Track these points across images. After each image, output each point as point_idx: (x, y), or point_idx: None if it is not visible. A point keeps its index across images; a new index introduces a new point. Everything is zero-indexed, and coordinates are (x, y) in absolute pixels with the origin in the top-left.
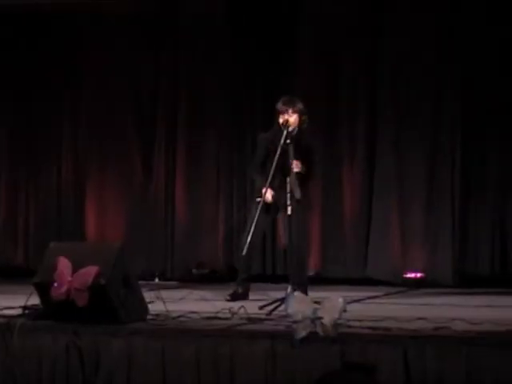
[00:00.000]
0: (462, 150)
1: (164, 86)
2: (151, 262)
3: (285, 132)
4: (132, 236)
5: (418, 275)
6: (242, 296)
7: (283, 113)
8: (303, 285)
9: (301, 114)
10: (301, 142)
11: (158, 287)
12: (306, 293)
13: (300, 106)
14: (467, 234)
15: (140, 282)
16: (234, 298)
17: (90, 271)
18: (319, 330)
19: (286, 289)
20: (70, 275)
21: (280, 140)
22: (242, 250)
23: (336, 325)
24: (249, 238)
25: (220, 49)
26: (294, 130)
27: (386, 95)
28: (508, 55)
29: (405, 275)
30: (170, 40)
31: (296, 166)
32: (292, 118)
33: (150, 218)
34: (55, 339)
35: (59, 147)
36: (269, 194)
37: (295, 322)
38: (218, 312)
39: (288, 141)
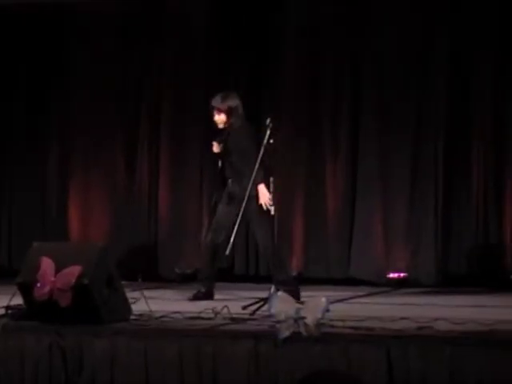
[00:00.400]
0: (445, 149)
1: (148, 85)
2: (134, 261)
3: (268, 131)
4: (115, 236)
5: (401, 275)
6: (205, 296)
7: (212, 110)
8: (289, 285)
9: (229, 113)
10: (234, 141)
11: (141, 287)
12: (298, 294)
13: (230, 103)
14: (450, 234)
15: (123, 282)
16: (196, 298)
17: (73, 271)
18: (302, 329)
19: (269, 289)
20: (53, 275)
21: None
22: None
23: (319, 325)
24: (232, 238)
25: (204, 48)
26: (224, 128)
27: (369, 95)
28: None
29: (388, 275)
30: (154, 39)
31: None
32: (220, 117)
33: (134, 217)
34: (38, 339)
35: (43, 147)
36: (215, 146)
37: (278, 321)
38: (201, 312)
39: (271, 140)
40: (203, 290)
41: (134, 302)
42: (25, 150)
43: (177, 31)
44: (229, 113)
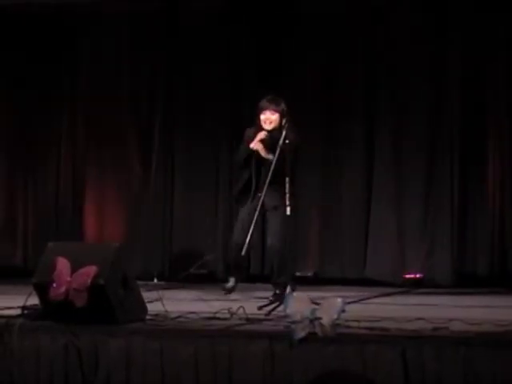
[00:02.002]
0: (461, 149)
1: (162, 86)
2: (150, 262)
3: (284, 132)
4: (131, 236)
5: (417, 275)
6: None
7: (265, 110)
8: (281, 287)
9: (282, 114)
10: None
11: (157, 287)
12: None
13: (283, 106)
14: (466, 234)
15: (138, 283)
16: (231, 291)
17: (89, 271)
18: (318, 330)
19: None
20: (69, 275)
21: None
22: (240, 250)
23: (334, 325)
24: (248, 238)
25: (219, 49)
26: (273, 129)
27: (385, 95)
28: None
29: (403, 275)
30: (168, 40)
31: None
32: (274, 117)
33: (149, 218)
34: (54, 339)
35: (58, 147)
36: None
37: (294, 322)
38: (216, 312)
39: (287, 141)
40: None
41: (153, 302)
42: (39, 150)
43: (188, 30)
44: (283, 114)
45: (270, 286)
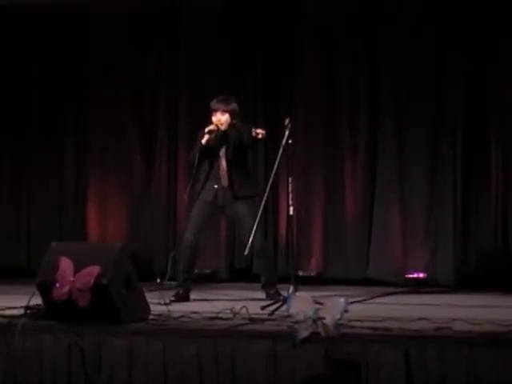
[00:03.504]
0: (464, 148)
1: (165, 84)
2: (153, 261)
3: (286, 132)
4: (134, 236)
5: (420, 275)
6: (183, 298)
7: (215, 111)
8: (273, 286)
9: (232, 114)
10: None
11: (159, 287)
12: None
13: (233, 106)
14: (468, 234)
15: (141, 282)
16: (177, 299)
17: (92, 271)
18: (321, 330)
19: (287, 289)
20: (72, 275)
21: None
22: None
23: (337, 325)
24: (251, 238)
25: (220, 47)
26: (226, 129)
27: (387, 94)
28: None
29: (406, 275)
30: (170, 38)
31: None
32: (224, 117)
33: (152, 217)
34: (57, 339)
35: (61, 146)
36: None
37: (297, 322)
38: (219, 312)
39: (290, 141)
40: (181, 291)
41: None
42: (42, 151)
43: (191, 30)
44: (233, 114)
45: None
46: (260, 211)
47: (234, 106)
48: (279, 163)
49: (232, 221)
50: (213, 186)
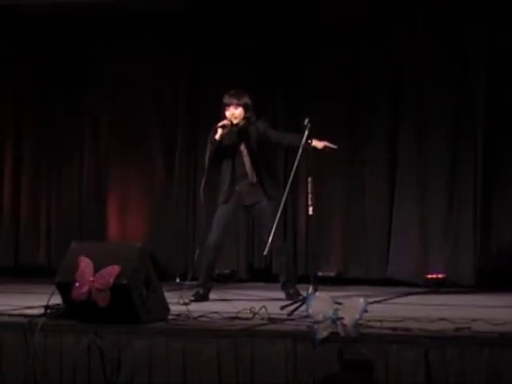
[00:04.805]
0: (484, 149)
1: (185, 85)
2: (172, 261)
3: (306, 132)
4: (153, 236)
5: (440, 275)
6: (203, 297)
7: (228, 105)
8: (292, 286)
9: (246, 108)
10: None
11: (179, 287)
12: (297, 296)
13: (246, 100)
14: (489, 235)
15: (161, 282)
16: (197, 299)
17: (112, 271)
18: (340, 330)
19: (306, 289)
20: (92, 275)
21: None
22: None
23: (357, 325)
24: (270, 238)
25: (241, 46)
26: (239, 124)
27: (408, 96)
28: None
29: (426, 275)
30: (191, 40)
31: None
32: (237, 111)
33: (172, 217)
34: (77, 339)
35: (81, 147)
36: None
37: (316, 322)
38: (239, 312)
39: (310, 141)
40: (202, 291)
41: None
42: (62, 151)
43: (211, 30)
44: (246, 108)
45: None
46: (279, 211)
47: (247, 99)
48: (299, 163)
49: (255, 219)
50: (238, 187)
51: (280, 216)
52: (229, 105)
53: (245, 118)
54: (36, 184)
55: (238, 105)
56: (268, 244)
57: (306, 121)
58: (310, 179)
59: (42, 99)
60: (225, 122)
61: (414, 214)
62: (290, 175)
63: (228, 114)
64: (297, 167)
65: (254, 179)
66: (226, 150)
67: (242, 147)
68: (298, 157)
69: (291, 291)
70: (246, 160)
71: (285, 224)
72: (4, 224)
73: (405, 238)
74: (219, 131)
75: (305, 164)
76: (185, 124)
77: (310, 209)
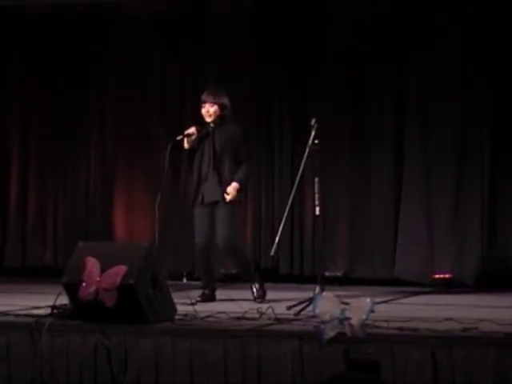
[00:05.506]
0: (491, 150)
1: (191, 85)
2: (179, 261)
3: (313, 132)
4: (160, 236)
5: (446, 275)
6: (209, 298)
7: (204, 102)
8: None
9: (222, 107)
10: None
11: (187, 287)
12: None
13: (223, 99)
14: (495, 235)
15: (168, 282)
16: (204, 299)
17: (119, 271)
18: (347, 330)
19: (313, 289)
20: (99, 275)
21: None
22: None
23: (364, 325)
24: (277, 238)
25: (247, 49)
26: (215, 121)
27: (413, 94)
28: None
29: (433, 275)
30: (197, 40)
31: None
32: (212, 109)
33: (178, 217)
34: (84, 339)
35: (87, 147)
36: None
37: (323, 322)
38: (245, 312)
39: (316, 141)
40: (207, 292)
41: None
42: (68, 150)
43: (218, 31)
44: (222, 107)
45: (299, 286)
46: (286, 211)
47: (224, 99)
48: (305, 163)
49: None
50: (203, 187)
51: (287, 216)
52: (204, 102)
53: (220, 116)
54: (43, 184)
55: (214, 103)
56: (275, 245)
57: (313, 121)
58: (316, 179)
59: (46, 99)
60: (190, 130)
61: (421, 214)
62: (296, 176)
63: (203, 110)
64: (303, 168)
65: (215, 180)
66: (196, 153)
67: (208, 148)
68: (304, 157)
69: (256, 286)
70: (209, 161)
71: (292, 224)
72: (11, 224)
73: (411, 238)
74: (185, 140)
75: (311, 164)
76: (190, 124)
77: (317, 209)
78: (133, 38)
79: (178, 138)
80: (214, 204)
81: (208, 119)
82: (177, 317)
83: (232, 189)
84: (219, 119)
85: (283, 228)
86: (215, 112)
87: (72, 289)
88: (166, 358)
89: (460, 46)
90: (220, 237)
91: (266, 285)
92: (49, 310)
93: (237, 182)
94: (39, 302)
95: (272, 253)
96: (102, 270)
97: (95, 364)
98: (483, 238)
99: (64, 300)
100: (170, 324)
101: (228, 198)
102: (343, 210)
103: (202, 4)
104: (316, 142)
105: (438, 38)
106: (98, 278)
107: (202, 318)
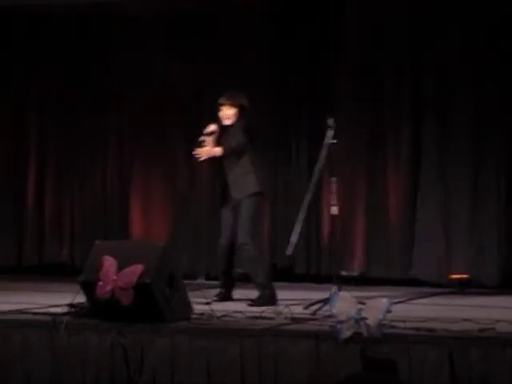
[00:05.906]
0: (508, 150)
1: (208, 83)
2: (196, 261)
3: (330, 132)
4: (177, 235)
5: (463, 276)
6: (225, 297)
7: (222, 105)
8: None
9: (240, 108)
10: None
11: (203, 287)
12: (274, 298)
13: (241, 101)
14: None
15: (184, 281)
16: (220, 299)
17: (135, 270)
18: (363, 330)
19: (330, 289)
20: (115, 274)
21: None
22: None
23: (380, 325)
24: (294, 238)
25: (260, 47)
26: (234, 124)
27: (432, 95)
28: None
29: (450, 276)
30: (209, 39)
31: None
32: (230, 112)
33: (195, 216)
34: (100, 338)
35: (104, 146)
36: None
37: (340, 322)
38: (262, 312)
39: (334, 141)
40: (224, 291)
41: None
42: (85, 150)
43: (232, 30)
44: (241, 109)
45: (315, 285)
46: (304, 211)
47: (243, 101)
48: (322, 163)
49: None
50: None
51: (303, 216)
52: (222, 105)
53: (239, 119)
54: (60, 184)
55: (232, 105)
56: (291, 244)
57: (331, 121)
58: (333, 179)
59: (64, 99)
60: (211, 128)
61: (438, 215)
62: (313, 175)
63: (220, 113)
64: (320, 168)
65: (233, 180)
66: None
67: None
68: (321, 157)
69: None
70: (228, 161)
71: (308, 224)
72: (29, 224)
73: (428, 238)
74: (208, 140)
75: (328, 164)
76: (207, 123)
77: (334, 208)
78: (144, 39)
79: (201, 138)
80: (236, 204)
81: (227, 122)
82: (193, 316)
83: (210, 150)
84: (238, 121)
85: (300, 227)
86: (235, 114)
87: (89, 287)
88: (183, 357)
89: (472, 46)
90: (237, 237)
91: (282, 284)
92: (66, 309)
93: (222, 148)
94: (57, 300)
95: (288, 252)
96: (119, 269)
97: (111, 362)
98: (500, 238)
99: (81, 299)
100: (187, 323)
101: (198, 150)
102: (360, 210)
103: (211, 3)
104: (333, 141)
105: (458, 37)
106: (115, 277)
107: (218, 318)
